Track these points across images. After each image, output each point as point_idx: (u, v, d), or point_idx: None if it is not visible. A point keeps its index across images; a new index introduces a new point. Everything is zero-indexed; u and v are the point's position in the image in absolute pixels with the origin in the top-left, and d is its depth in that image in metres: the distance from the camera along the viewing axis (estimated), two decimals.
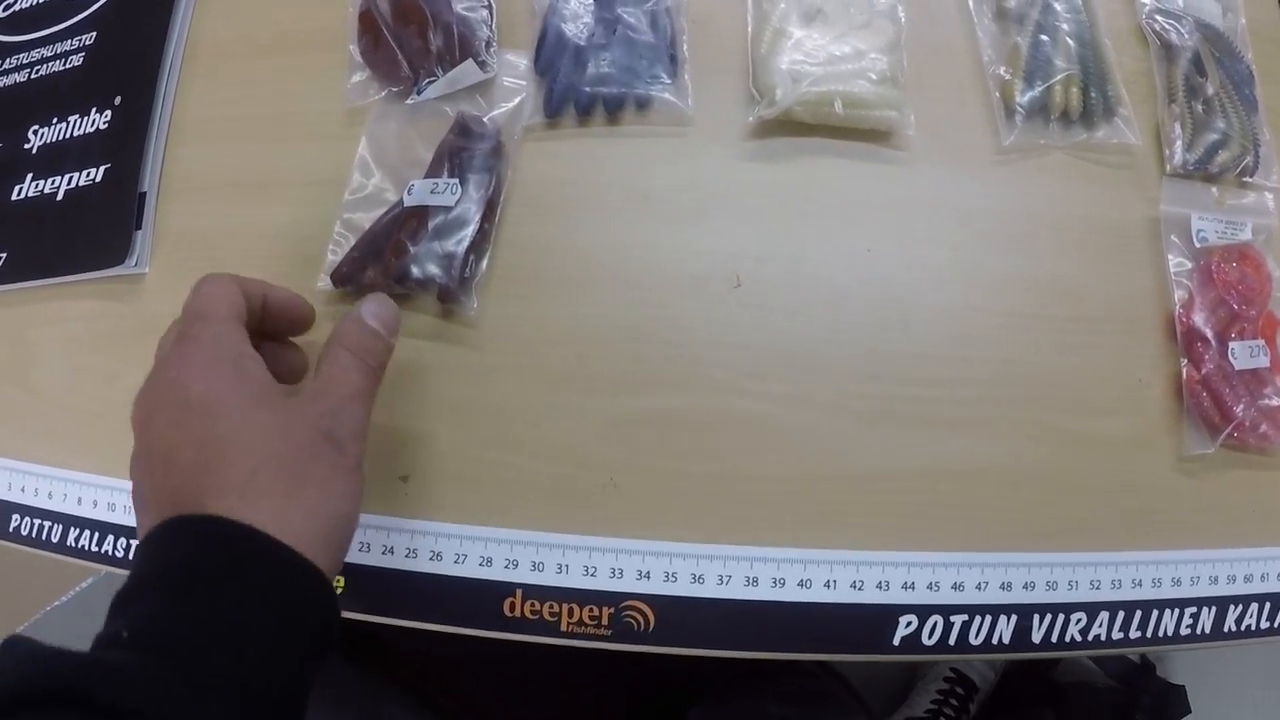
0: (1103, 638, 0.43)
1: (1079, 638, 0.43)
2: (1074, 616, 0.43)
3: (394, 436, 0.43)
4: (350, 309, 0.37)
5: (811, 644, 0.41)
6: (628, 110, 0.45)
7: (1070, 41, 0.47)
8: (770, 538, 0.41)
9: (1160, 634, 0.43)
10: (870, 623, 0.41)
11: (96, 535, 0.47)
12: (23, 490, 0.48)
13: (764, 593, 0.41)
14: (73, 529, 0.47)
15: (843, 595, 0.41)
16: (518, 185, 0.45)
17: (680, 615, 0.41)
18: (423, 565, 0.42)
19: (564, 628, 0.41)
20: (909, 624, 0.41)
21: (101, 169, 0.50)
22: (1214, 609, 0.44)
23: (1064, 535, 0.43)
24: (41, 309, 0.50)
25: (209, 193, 0.49)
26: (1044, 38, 0.47)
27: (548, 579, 0.41)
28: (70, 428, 0.48)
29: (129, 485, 0.45)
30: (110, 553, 0.46)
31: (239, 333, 0.34)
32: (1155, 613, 0.43)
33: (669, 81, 0.45)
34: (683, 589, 0.41)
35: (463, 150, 0.44)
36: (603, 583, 0.41)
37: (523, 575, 0.42)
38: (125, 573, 0.45)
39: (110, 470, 0.47)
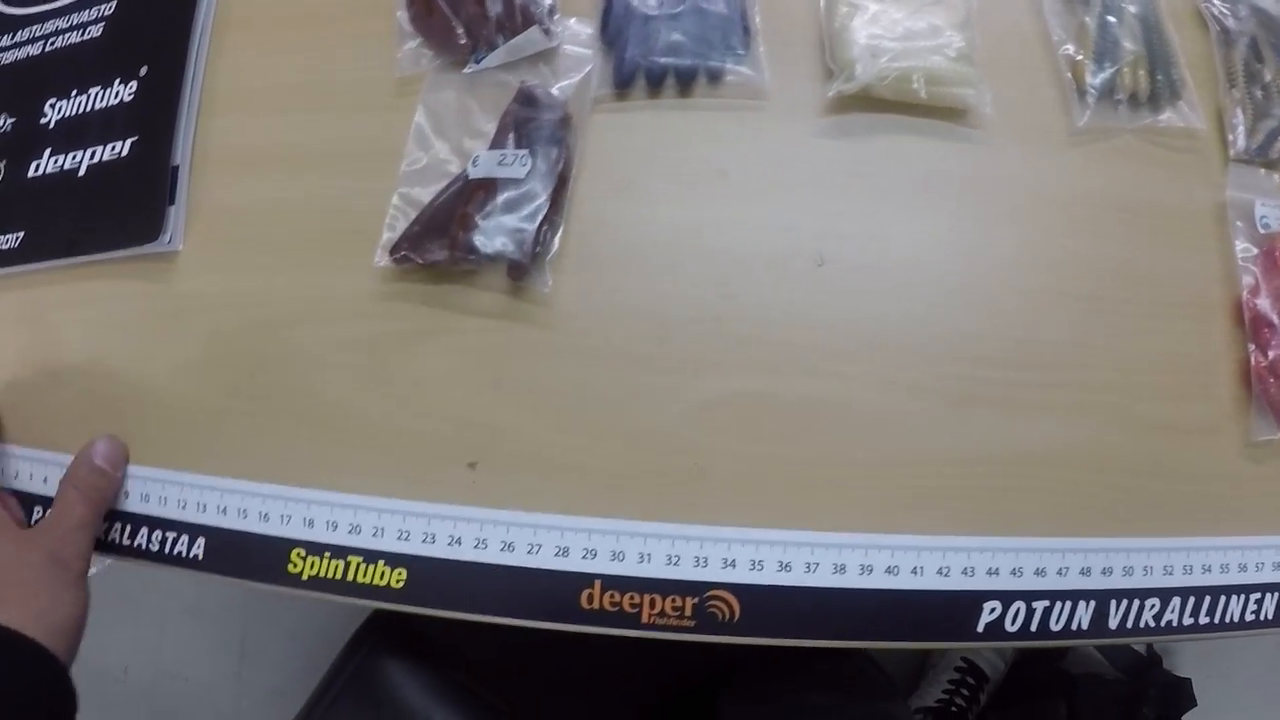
0: (1174, 623, 0.43)
1: (1152, 623, 0.43)
2: (1148, 602, 0.42)
3: (460, 421, 0.41)
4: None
5: (898, 632, 0.40)
6: (700, 83, 0.44)
7: (1135, 23, 0.47)
8: (857, 523, 0.40)
9: (1227, 620, 0.43)
10: (956, 609, 0.40)
11: (128, 528, 0.44)
12: (45, 481, 0.45)
13: (851, 580, 0.40)
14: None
15: (929, 582, 0.40)
16: (588, 158, 0.43)
17: (766, 604, 0.39)
18: (493, 556, 0.40)
19: (645, 619, 0.40)
20: (993, 610, 0.41)
21: (128, 142, 0.46)
22: (1278, 595, 0.44)
23: (1137, 520, 0.42)
24: (63, 291, 0.47)
25: (247, 167, 0.46)
26: (1111, 18, 0.47)
27: (629, 569, 0.40)
28: (97, 416, 0.45)
29: (159, 474, 0.43)
30: (144, 546, 0.43)
31: None
32: (1223, 599, 0.43)
33: (743, 53, 0.43)
34: (769, 577, 0.40)
35: (529, 121, 0.42)
36: (686, 572, 0.40)
37: (601, 565, 0.40)
38: (139, 564, 0.42)
39: (145, 460, 0.44)
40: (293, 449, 0.43)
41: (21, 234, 0.48)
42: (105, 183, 0.46)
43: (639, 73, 0.43)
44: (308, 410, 0.43)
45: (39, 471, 0.45)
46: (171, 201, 0.45)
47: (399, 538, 0.41)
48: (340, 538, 0.42)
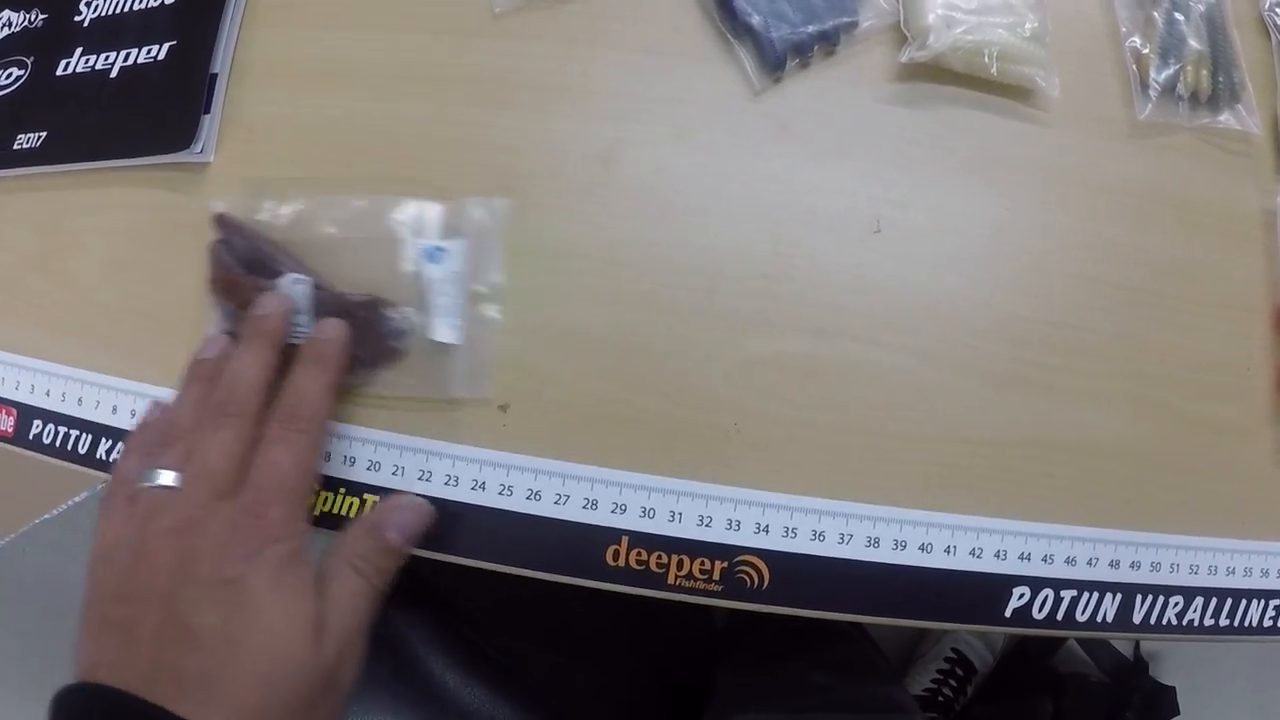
0: (1195, 623, 0.43)
1: (1174, 620, 0.42)
2: (1172, 599, 0.42)
3: (495, 360, 0.40)
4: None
5: (926, 611, 0.39)
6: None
7: (1201, 22, 0.46)
8: (893, 497, 0.39)
9: (1246, 624, 0.43)
10: (985, 592, 0.40)
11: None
12: (47, 394, 0.43)
13: (884, 554, 0.39)
14: (104, 440, 0.42)
15: (961, 562, 0.39)
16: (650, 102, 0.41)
17: (796, 573, 0.39)
18: (518, 504, 0.39)
19: (671, 580, 0.39)
20: (1021, 596, 0.40)
21: (165, 47, 0.44)
22: None
23: (1166, 516, 0.42)
24: (81, 196, 0.44)
25: (291, 81, 0.44)
26: (1178, 15, 0.46)
27: (658, 527, 0.39)
28: (108, 327, 0.43)
29: (172, 394, 0.40)
30: None
31: (306, 525, 0.35)
32: (1244, 602, 0.43)
33: (855, 17, 0.42)
34: (801, 545, 0.39)
35: None
36: (718, 534, 0.39)
37: (630, 521, 0.39)
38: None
39: (153, 378, 0.42)
40: None
41: (44, 134, 0.45)
42: (137, 86, 0.44)
43: (789, 50, 0.41)
44: None
45: (41, 384, 0.43)
46: (207, 110, 0.43)
47: (420, 478, 0.39)
48: (356, 473, 0.40)
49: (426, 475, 0.39)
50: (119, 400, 0.42)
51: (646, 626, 0.55)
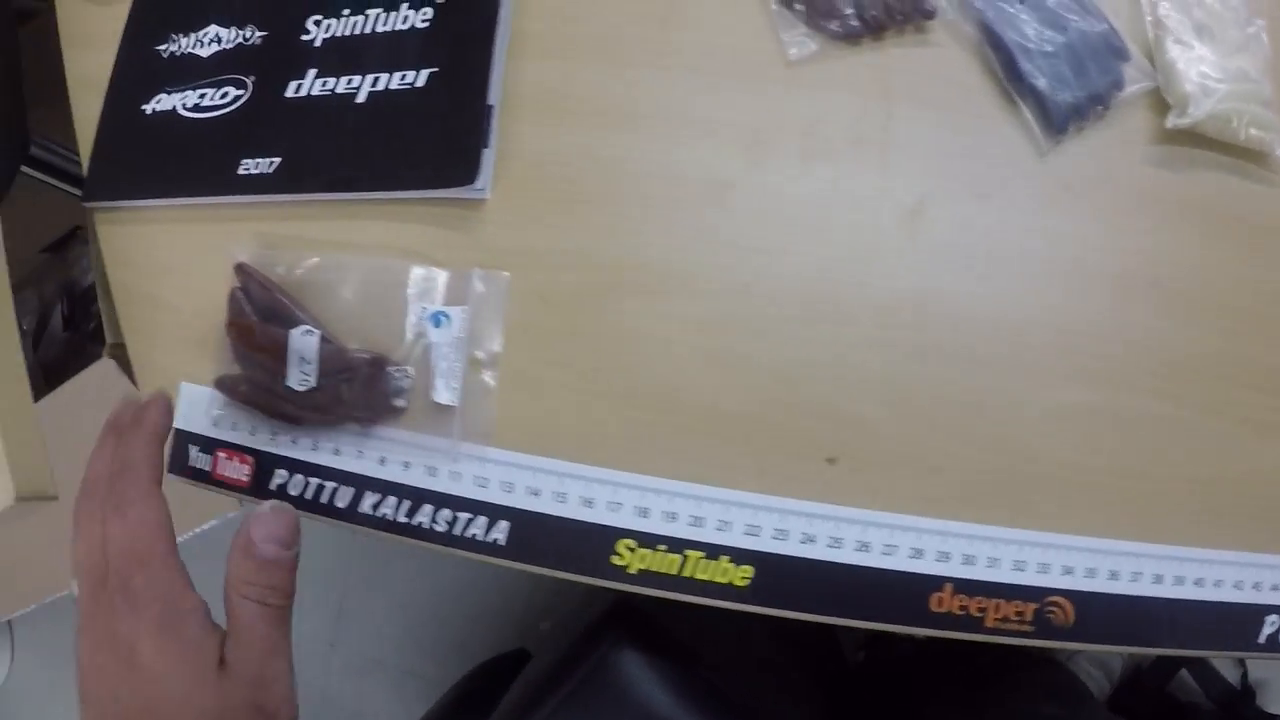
0: None
1: None
2: None
3: (820, 414, 0.40)
4: None
5: (1200, 640, 0.42)
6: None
7: None
8: (1170, 534, 0.42)
9: None
10: (1243, 620, 0.43)
11: (405, 504, 0.39)
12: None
13: (1167, 589, 0.42)
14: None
15: (1225, 594, 0.43)
16: None
17: (1100, 611, 0.41)
18: (847, 556, 0.39)
19: (989, 624, 0.40)
20: (1273, 623, 0.44)
21: (424, 73, 0.41)
22: None
23: None
24: (326, 229, 0.41)
25: (559, 115, 0.42)
26: None
27: (978, 573, 0.40)
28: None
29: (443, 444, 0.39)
30: (426, 525, 0.39)
31: (180, 578, 0.34)
32: None
33: (1120, 74, 0.44)
34: (1102, 585, 0.41)
35: None
36: (1030, 577, 0.40)
37: (954, 569, 0.40)
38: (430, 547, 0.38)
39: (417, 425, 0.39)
40: (622, 430, 0.40)
41: (277, 159, 0.42)
42: (393, 114, 0.41)
43: (1072, 112, 0.42)
44: (641, 389, 0.40)
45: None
46: (486, 144, 0.40)
47: (747, 532, 0.39)
48: (679, 529, 0.39)
49: (755, 530, 0.39)
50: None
51: (835, 657, 0.56)
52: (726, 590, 0.39)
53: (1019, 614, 0.40)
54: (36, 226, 0.76)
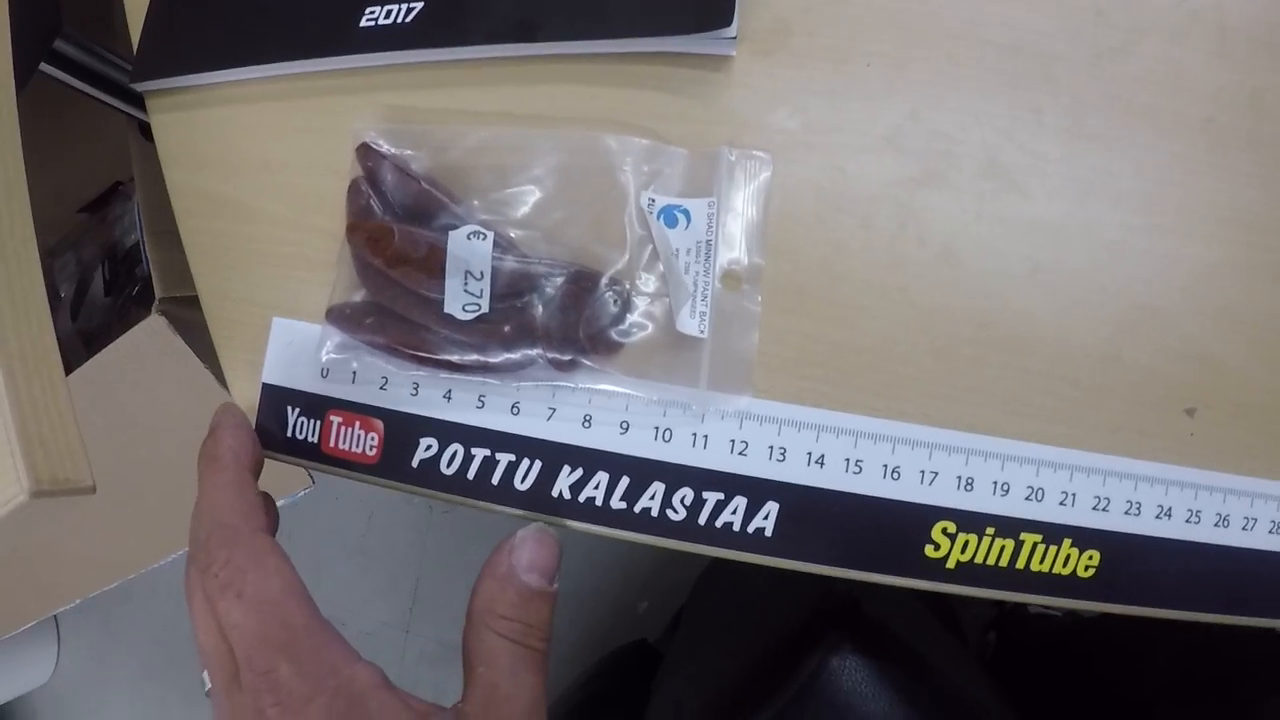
0: None
1: None
2: None
3: (1174, 352, 0.30)
4: None
5: None
6: None
7: None
8: None
9: None
10: None
11: (603, 480, 0.28)
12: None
13: None
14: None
15: None
16: None
17: None
18: (1203, 534, 0.31)
19: None
20: None
21: None
22: None
23: None
24: (499, 96, 0.28)
25: None
26: None
27: None
28: None
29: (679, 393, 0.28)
30: (644, 510, 0.28)
31: (337, 648, 0.25)
32: None
33: None
34: None
35: None
36: None
37: None
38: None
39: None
40: (937, 373, 0.29)
41: (419, 3, 0.28)
42: None
43: None
44: (960, 315, 0.29)
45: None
46: None
47: (1095, 507, 0.30)
48: (1014, 506, 0.29)
49: (1103, 503, 0.30)
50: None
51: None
52: (1069, 584, 0.30)
53: None
54: (73, 185, 0.67)
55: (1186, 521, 0.30)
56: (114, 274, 0.62)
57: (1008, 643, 0.60)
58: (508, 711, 0.25)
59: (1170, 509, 0.30)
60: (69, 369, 0.49)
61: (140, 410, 0.29)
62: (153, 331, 0.36)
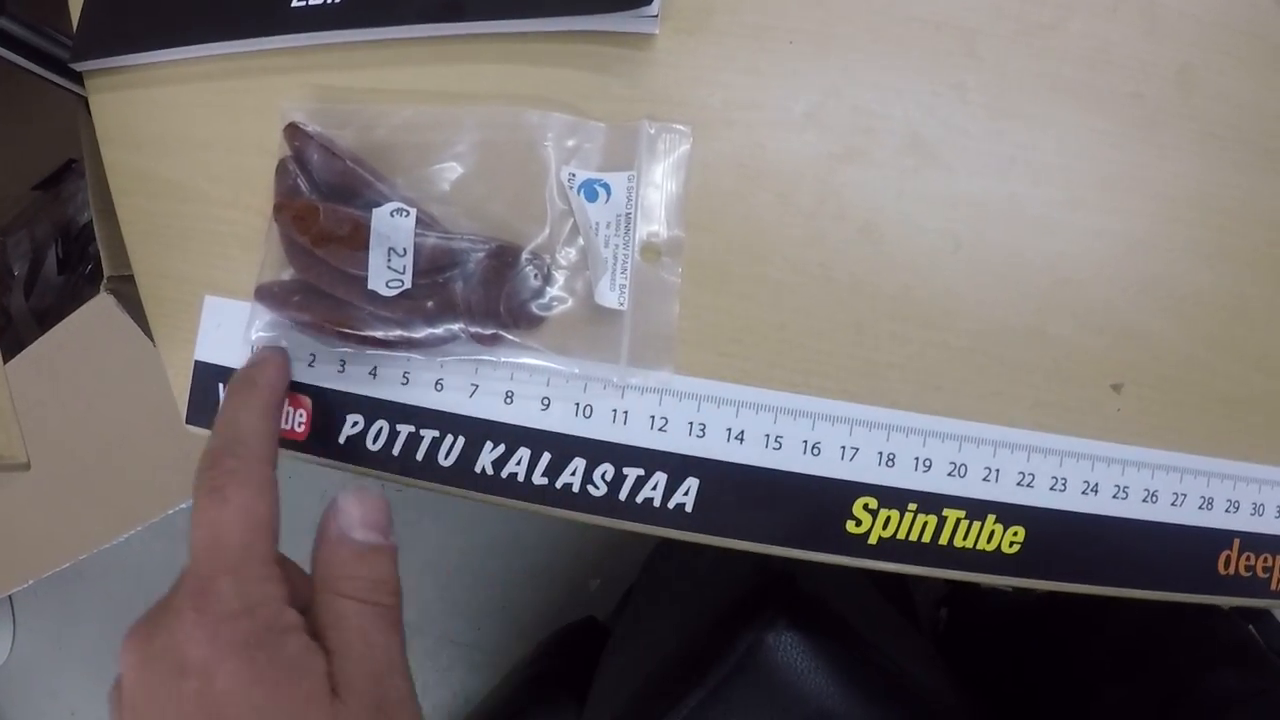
0: None
1: None
2: None
3: (1105, 330, 0.30)
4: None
5: None
6: None
7: None
8: None
9: None
10: None
11: (527, 456, 0.28)
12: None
13: None
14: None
15: None
16: None
17: None
18: (1131, 509, 0.31)
19: (1274, 585, 0.33)
20: None
21: None
22: None
23: None
24: (418, 75, 0.28)
25: None
26: None
27: (1267, 525, 0.32)
28: None
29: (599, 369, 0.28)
30: (564, 485, 0.28)
31: (280, 589, 0.25)
32: None
33: None
34: None
35: None
36: None
37: (1242, 521, 0.32)
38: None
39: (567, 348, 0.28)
40: (856, 348, 0.29)
41: None
42: None
43: None
44: (881, 291, 0.30)
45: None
46: None
47: (1019, 483, 0.30)
48: (936, 482, 0.29)
49: (1028, 479, 0.30)
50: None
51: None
52: (993, 560, 0.30)
53: None
54: (26, 161, 0.68)
55: (1113, 498, 0.31)
56: (67, 252, 0.62)
57: (959, 619, 0.60)
58: (367, 672, 0.24)
59: (1097, 485, 0.30)
60: (21, 347, 0.49)
61: (91, 388, 0.29)
62: (101, 310, 0.36)
